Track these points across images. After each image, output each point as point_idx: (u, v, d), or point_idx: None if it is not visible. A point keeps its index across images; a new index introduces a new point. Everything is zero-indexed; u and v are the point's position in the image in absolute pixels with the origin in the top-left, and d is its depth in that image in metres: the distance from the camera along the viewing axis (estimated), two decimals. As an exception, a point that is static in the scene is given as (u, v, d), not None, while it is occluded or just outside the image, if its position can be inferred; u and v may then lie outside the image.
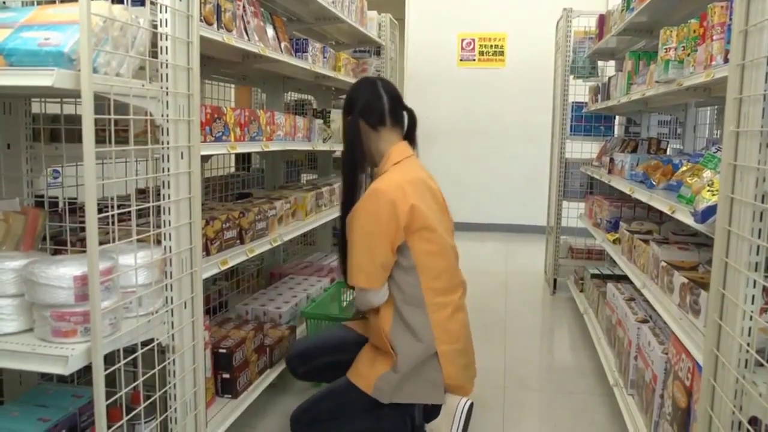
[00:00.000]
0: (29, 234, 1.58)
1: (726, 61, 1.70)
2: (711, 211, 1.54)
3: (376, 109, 2.05)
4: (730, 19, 1.72)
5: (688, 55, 2.11)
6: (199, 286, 1.67)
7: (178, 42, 1.52)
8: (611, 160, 3.29)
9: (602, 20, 3.83)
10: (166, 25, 1.49)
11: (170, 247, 1.56)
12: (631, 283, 2.59)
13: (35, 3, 1.60)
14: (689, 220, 1.72)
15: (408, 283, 1.94)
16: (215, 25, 1.98)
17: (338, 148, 3.47)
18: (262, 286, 3.22)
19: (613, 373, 2.54)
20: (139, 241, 1.43)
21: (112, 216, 1.33)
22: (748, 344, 1.32)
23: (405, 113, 2.12)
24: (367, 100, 2.06)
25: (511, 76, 6.68)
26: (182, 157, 1.57)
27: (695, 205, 1.67)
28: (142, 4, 1.44)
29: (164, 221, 1.54)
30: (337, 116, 3.26)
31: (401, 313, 1.94)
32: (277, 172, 3.46)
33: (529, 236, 6.36)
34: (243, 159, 3.61)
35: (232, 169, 3.47)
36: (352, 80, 3.61)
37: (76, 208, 1.94)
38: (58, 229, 1.84)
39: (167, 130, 1.52)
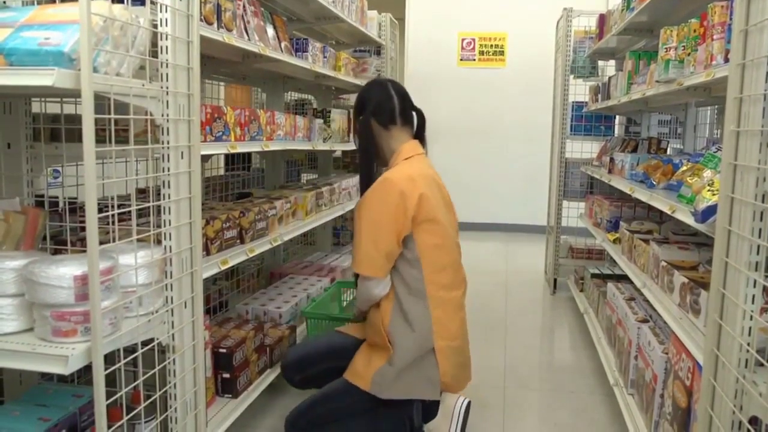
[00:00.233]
0: (29, 234, 1.58)
1: (726, 60, 1.70)
2: (711, 210, 1.54)
3: (387, 109, 2.10)
4: (731, 19, 1.72)
5: (689, 54, 2.11)
6: (200, 286, 1.67)
7: (178, 41, 1.52)
8: (611, 159, 3.29)
9: (602, 20, 3.83)
10: (167, 25, 1.49)
11: (170, 247, 1.56)
12: (632, 282, 2.60)
13: (35, 2, 1.60)
14: (689, 220, 1.72)
15: (412, 276, 1.96)
16: (215, 25, 1.98)
17: (338, 148, 3.48)
18: (262, 285, 3.22)
19: (613, 373, 2.54)
20: (139, 240, 1.43)
21: (113, 216, 1.33)
22: (748, 344, 1.32)
23: (414, 113, 2.17)
24: (379, 101, 2.11)
25: (511, 75, 6.68)
26: (182, 157, 1.57)
27: (695, 205, 1.67)
28: (143, 3, 1.44)
29: (164, 221, 1.54)
30: (337, 116, 3.26)
31: (402, 306, 1.95)
32: (278, 172, 3.46)
33: (529, 236, 6.36)
34: (243, 159, 3.60)
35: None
36: (353, 80, 3.61)
37: (77, 208, 1.94)
38: (59, 229, 1.84)
39: (167, 129, 1.52)
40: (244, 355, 2.19)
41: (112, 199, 1.34)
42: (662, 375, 1.96)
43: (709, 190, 1.63)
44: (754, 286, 1.31)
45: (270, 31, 2.53)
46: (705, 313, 1.63)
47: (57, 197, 1.97)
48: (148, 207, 1.49)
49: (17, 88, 1.43)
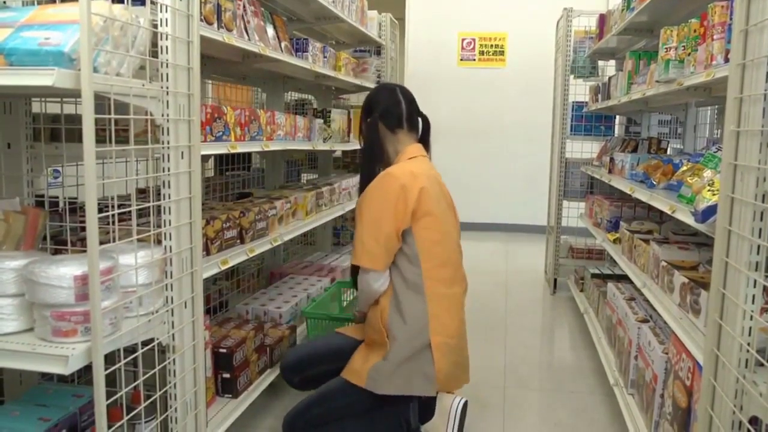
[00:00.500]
0: (30, 234, 1.58)
1: (726, 60, 1.70)
2: (711, 210, 1.54)
3: (395, 113, 2.15)
4: (731, 19, 1.72)
5: (689, 54, 2.11)
6: (200, 286, 1.67)
7: (178, 41, 1.52)
8: (611, 159, 3.29)
9: (602, 20, 3.83)
10: (167, 25, 1.49)
11: (170, 247, 1.56)
12: (632, 282, 2.60)
13: (35, 2, 1.60)
14: (690, 220, 1.72)
15: (411, 272, 1.97)
16: (215, 25, 1.98)
17: (338, 148, 3.48)
18: (262, 285, 3.22)
19: (613, 373, 2.54)
20: (139, 240, 1.43)
21: (113, 216, 1.33)
22: (748, 344, 1.32)
23: (420, 119, 2.22)
24: (387, 104, 2.16)
25: (512, 75, 6.68)
26: (182, 157, 1.57)
27: (696, 205, 1.67)
28: (143, 3, 1.44)
29: (164, 221, 1.54)
30: (337, 116, 3.26)
31: (400, 300, 1.96)
32: (278, 172, 3.46)
33: (529, 236, 6.36)
34: (243, 159, 3.60)
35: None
36: (353, 80, 3.62)
37: (77, 208, 1.94)
38: (59, 229, 1.84)
39: (167, 129, 1.52)
40: (244, 355, 2.19)
41: (112, 199, 1.34)
42: (662, 375, 1.96)
43: (709, 190, 1.63)
44: (754, 286, 1.31)
45: (270, 31, 2.53)
46: (705, 313, 1.63)
47: (57, 197, 1.97)
48: (148, 207, 1.49)
49: (17, 88, 1.43)
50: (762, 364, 1.31)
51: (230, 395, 2.12)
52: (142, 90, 1.43)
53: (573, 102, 4.34)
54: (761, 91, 1.27)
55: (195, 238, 1.63)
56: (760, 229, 1.29)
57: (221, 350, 2.11)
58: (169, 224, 1.55)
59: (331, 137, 3.18)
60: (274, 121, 2.41)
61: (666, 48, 2.30)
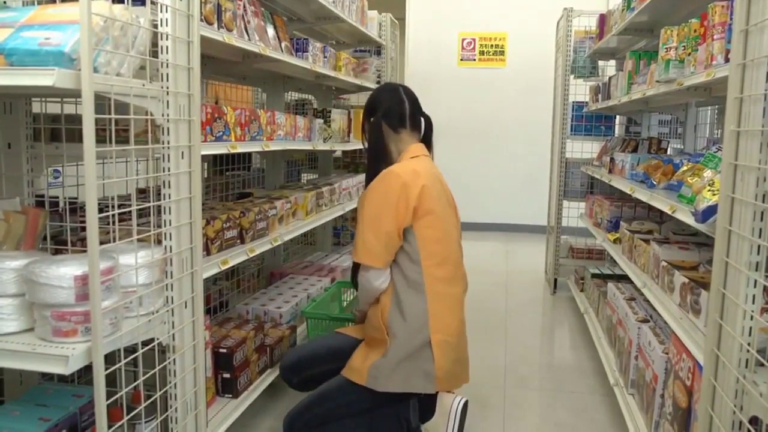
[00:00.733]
0: (30, 234, 1.58)
1: (727, 60, 1.70)
2: (711, 210, 1.54)
3: (398, 113, 2.15)
4: (731, 19, 1.72)
5: (689, 54, 2.11)
6: (200, 286, 1.67)
7: (178, 41, 1.52)
8: (612, 159, 3.29)
9: (603, 20, 3.83)
10: (167, 25, 1.49)
11: (171, 247, 1.56)
12: (632, 282, 2.60)
13: (35, 3, 1.60)
14: (690, 220, 1.72)
15: (412, 270, 1.97)
16: (216, 25, 1.98)
17: (338, 148, 3.48)
18: (262, 285, 3.22)
19: (613, 373, 2.54)
20: (139, 240, 1.43)
21: (113, 216, 1.33)
22: (748, 344, 1.32)
23: (422, 119, 2.23)
24: (390, 104, 2.16)
25: (512, 75, 6.68)
26: (183, 157, 1.57)
27: (696, 205, 1.67)
28: (143, 3, 1.44)
29: (165, 221, 1.54)
30: (337, 116, 3.26)
31: (400, 299, 1.96)
32: (278, 172, 3.46)
33: (530, 236, 6.36)
34: (243, 159, 3.60)
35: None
36: (353, 80, 3.62)
37: (77, 208, 1.94)
38: (59, 229, 1.84)
39: (168, 129, 1.52)
40: (245, 355, 2.19)
41: (113, 199, 1.34)
42: (662, 375, 1.96)
43: (709, 190, 1.63)
44: (755, 286, 1.31)
45: (270, 31, 2.53)
46: (705, 313, 1.63)
47: (57, 197, 1.97)
48: (149, 207, 1.49)
49: (18, 88, 1.43)
50: (762, 364, 1.31)
51: (230, 395, 2.12)
52: (143, 90, 1.43)
53: (573, 102, 4.34)
54: (761, 91, 1.27)
55: (195, 238, 1.63)
56: (761, 229, 1.29)
57: (221, 350, 2.11)
58: (170, 224, 1.55)
59: (331, 137, 3.18)
60: (274, 121, 2.42)
61: (666, 48, 2.30)
